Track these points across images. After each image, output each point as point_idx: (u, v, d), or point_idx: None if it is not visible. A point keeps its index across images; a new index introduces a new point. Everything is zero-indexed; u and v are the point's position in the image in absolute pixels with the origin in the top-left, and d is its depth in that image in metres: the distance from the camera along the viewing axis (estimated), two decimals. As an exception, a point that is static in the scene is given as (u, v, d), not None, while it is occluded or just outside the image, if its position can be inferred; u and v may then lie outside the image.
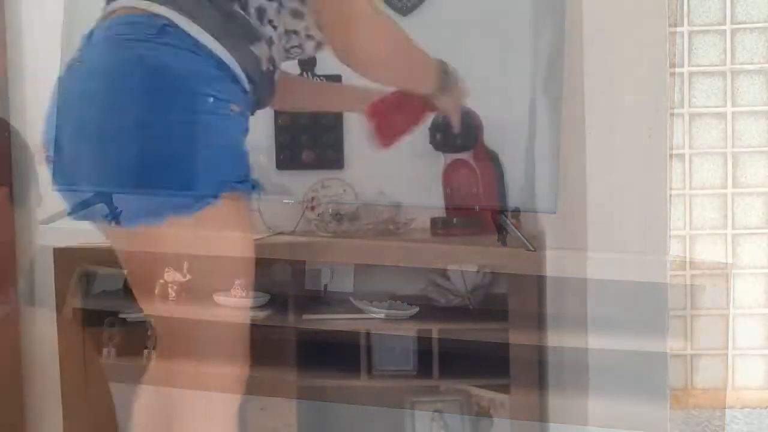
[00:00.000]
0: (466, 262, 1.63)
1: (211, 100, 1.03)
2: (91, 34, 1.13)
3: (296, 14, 1.16)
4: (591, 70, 1.09)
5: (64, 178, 1.15)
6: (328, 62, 1.42)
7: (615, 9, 1.07)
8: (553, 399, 1.56)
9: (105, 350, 1.63)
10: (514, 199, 1.93)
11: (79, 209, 1.17)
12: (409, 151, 1.67)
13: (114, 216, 1.07)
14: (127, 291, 1.35)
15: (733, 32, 2.35)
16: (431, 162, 1.67)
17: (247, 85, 1.11)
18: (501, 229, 1.58)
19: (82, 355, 1.61)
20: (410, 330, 1.63)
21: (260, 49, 1.13)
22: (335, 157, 1.98)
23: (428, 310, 1.75)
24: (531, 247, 1.56)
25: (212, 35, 1.05)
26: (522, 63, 1.93)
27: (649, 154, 1.07)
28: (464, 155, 1.68)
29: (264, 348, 1.59)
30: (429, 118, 1.54)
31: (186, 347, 1.15)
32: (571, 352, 1.26)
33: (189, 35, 1.04)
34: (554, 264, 1.50)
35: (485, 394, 1.75)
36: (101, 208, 1.09)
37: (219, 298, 1.10)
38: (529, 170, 1.90)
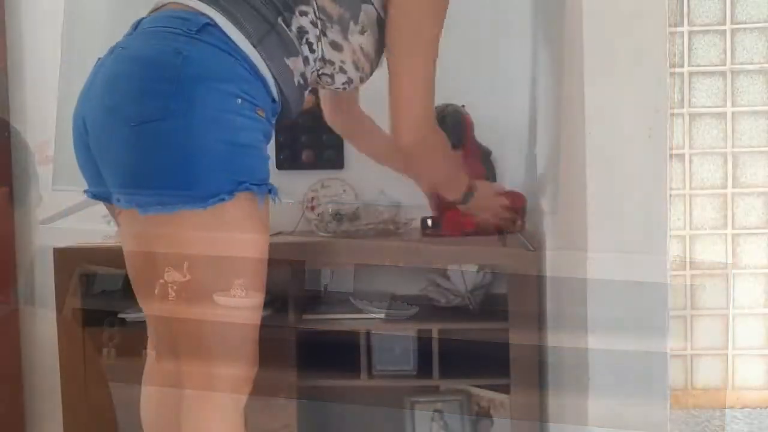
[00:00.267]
0: (466, 262, 1.63)
1: (239, 101, 1.05)
2: (138, 23, 1.15)
3: (335, 46, 1.19)
4: (591, 70, 1.08)
5: (82, 157, 1.15)
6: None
7: (615, 9, 1.07)
8: (553, 399, 1.56)
9: (105, 350, 1.63)
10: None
11: (97, 191, 1.17)
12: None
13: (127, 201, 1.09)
14: (127, 291, 1.34)
15: (733, 32, 2.35)
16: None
17: (276, 94, 1.13)
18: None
19: (82, 355, 1.61)
20: (410, 330, 1.63)
21: (294, 64, 1.15)
22: (335, 157, 1.98)
23: (428, 310, 1.75)
24: (531, 248, 1.56)
25: (250, 41, 1.08)
26: (522, 62, 1.93)
27: (649, 154, 1.07)
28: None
29: (264, 348, 1.59)
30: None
31: (189, 347, 1.15)
32: (571, 352, 1.26)
33: (228, 37, 1.06)
34: (554, 264, 1.50)
35: (485, 394, 1.76)
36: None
37: (218, 298, 1.10)
38: (529, 170, 1.90)
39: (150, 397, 1.32)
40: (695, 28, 2.36)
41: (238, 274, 1.10)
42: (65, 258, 1.61)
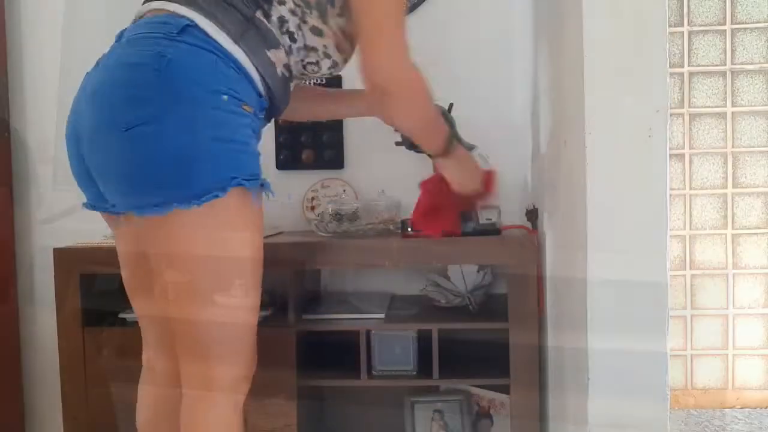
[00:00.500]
0: (466, 262, 1.63)
1: (225, 97, 1.06)
2: (121, 34, 1.16)
3: (316, 31, 1.20)
4: (591, 70, 1.09)
5: (77, 170, 1.16)
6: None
7: (615, 9, 1.07)
8: (553, 399, 1.56)
9: (105, 350, 1.63)
10: (514, 199, 1.93)
11: (94, 201, 1.19)
12: (408, 151, 1.67)
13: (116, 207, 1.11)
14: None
15: (733, 32, 2.35)
16: (431, 162, 1.67)
17: (261, 88, 1.15)
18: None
19: (82, 355, 1.61)
20: (410, 330, 1.63)
21: (276, 56, 1.16)
22: (335, 157, 1.98)
23: (428, 310, 1.75)
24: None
25: (231, 38, 1.09)
26: (522, 62, 1.93)
27: (649, 154, 1.07)
28: None
29: (264, 348, 1.59)
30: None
31: (187, 346, 1.16)
32: (571, 352, 1.26)
33: (209, 36, 1.08)
34: (554, 264, 1.50)
35: (485, 394, 1.76)
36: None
37: (217, 297, 1.11)
38: (529, 170, 1.90)
39: (144, 404, 1.33)
40: (695, 28, 2.36)
41: (236, 273, 1.11)
42: (65, 258, 1.61)
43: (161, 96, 1.03)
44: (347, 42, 1.25)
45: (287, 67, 1.20)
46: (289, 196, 1.99)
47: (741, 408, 2.37)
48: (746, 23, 2.35)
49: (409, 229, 1.64)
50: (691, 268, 2.39)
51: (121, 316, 1.64)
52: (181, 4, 1.10)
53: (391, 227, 1.74)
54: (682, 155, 2.38)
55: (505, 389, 1.65)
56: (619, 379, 1.10)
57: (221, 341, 1.13)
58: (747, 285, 2.38)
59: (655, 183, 1.08)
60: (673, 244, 2.39)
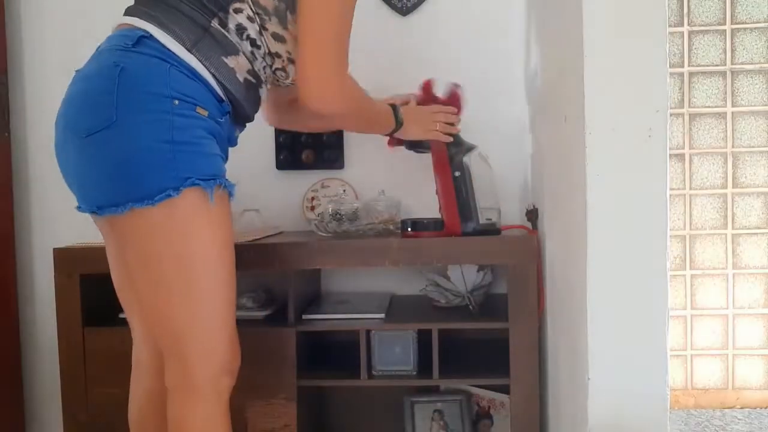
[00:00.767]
0: (466, 262, 1.63)
1: (176, 102, 1.11)
2: (98, 48, 1.23)
3: (278, 38, 1.24)
4: (591, 70, 1.09)
5: (64, 177, 1.23)
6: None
7: (615, 9, 1.07)
8: (553, 399, 1.56)
9: (105, 350, 1.62)
10: (514, 199, 1.93)
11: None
12: (408, 151, 1.67)
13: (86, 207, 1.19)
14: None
15: (733, 32, 2.35)
16: (430, 162, 1.67)
17: (220, 92, 1.19)
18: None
19: (82, 355, 1.62)
20: (410, 330, 1.63)
21: (236, 62, 1.21)
22: (335, 157, 1.98)
23: (428, 310, 1.75)
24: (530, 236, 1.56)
25: (185, 46, 1.15)
26: (522, 62, 1.93)
27: (649, 154, 1.07)
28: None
29: (264, 348, 1.59)
30: None
31: (167, 342, 1.19)
32: (571, 352, 1.26)
33: (163, 45, 1.14)
34: (554, 264, 1.50)
35: (485, 394, 1.76)
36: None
37: (182, 294, 1.15)
38: (529, 170, 1.90)
39: (134, 399, 1.36)
40: (695, 28, 2.36)
41: (200, 270, 1.15)
42: (65, 258, 1.61)
43: (115, 103, 1.09)
44: None
45: (252, 72, 1.24)
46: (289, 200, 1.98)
47: (741, 408, 2.37)
48: (746, 23, 2.35)
49: (409, 228, 1.65)
50: (691, 268, 2.39)
51: (121, 316, 1.64)
52: (142, 18, 1.16)
53: (391, 227, 1.74)
54: (682, 155, 2.38)
55: (505, 389, 1.65)
56: (619, 379, 1.10)
57: (194, 336, 1.16)
58: (747, 285, 2.38)
59: (655, 183, 1.08)
60: (673, 244, 2.39)
